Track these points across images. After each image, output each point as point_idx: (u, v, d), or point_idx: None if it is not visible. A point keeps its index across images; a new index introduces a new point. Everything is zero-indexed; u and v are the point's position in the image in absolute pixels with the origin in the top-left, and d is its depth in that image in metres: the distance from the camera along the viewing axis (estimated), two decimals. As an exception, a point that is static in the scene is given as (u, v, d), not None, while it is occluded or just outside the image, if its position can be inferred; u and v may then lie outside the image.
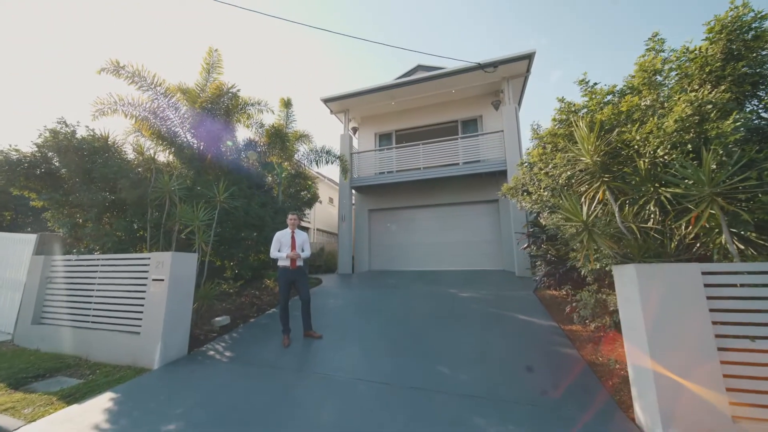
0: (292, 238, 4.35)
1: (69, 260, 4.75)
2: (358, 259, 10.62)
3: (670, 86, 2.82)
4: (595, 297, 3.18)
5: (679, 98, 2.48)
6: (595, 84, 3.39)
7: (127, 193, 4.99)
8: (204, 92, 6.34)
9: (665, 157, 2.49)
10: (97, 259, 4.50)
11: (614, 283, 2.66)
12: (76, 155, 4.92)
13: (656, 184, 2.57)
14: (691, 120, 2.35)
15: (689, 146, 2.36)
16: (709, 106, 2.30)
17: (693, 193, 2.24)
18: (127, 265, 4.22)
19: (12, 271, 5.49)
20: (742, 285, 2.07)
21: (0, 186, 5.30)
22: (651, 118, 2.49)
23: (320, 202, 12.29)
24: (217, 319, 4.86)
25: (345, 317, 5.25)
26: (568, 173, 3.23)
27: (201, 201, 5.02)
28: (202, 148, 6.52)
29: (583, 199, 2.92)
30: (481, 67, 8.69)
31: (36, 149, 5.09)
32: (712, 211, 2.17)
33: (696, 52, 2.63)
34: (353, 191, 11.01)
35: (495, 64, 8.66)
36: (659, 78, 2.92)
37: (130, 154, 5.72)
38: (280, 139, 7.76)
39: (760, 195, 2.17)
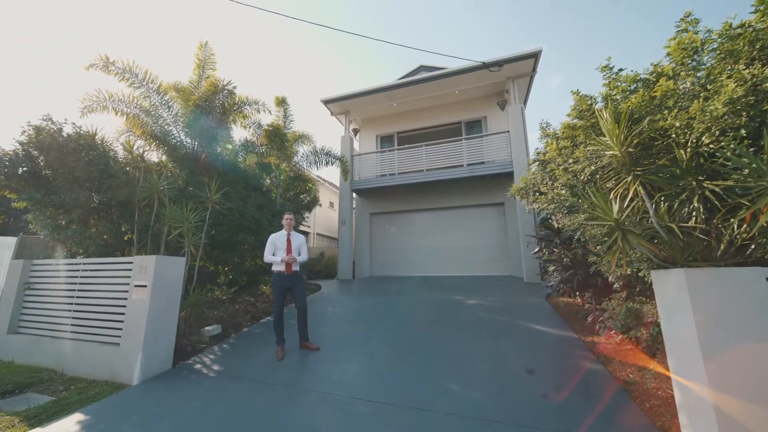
0: (288, 240, 4.02)
1: (49, 265, 4.43)
2: (359, 265, 10.27)
3: (709, 66, 2.51)
4: (626, 306, 2.84)
5: (727, 77, 2.16)
6: (621, 70, 3.08)
7: (113, 193, 4.69)
8: (198, 89, 6.07)
9: (712, 146, 2.17)
10: (78, 264, 4.18)
11: (653, 290, 2.32)
12: (59, 153, 4.63)
13: (700, 177, 2.24)
14: (744, 101, 2.03)
15: (743, 132, 2.03)
16: (767, 84, 1.99)
17: (750, 185, 1.91)
18: (109, 269, 3.90)
19: (-9, 277, 5.17)
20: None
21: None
22: (695, 102, 2.17)
23: (320, 205, 11.98)
24: (207, 328, 4.52)
25: (344, 326, 4.90)
26: (593, 168, 2.91)
27: (192, 202, 4.71)
28: (196, 147, 6.24)
29: (611, 196, 2.60)
30: (486, 66, 8.44)
31: (19, 147, 4.81)
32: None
33: (745, 27, 2.32)
34: (354, 194, 10.71)
35: (500, 63, 8.41)
36: (695, 59, 2.60)
37: (120, 154, 5.44)
38: (278, 138, 7.49)
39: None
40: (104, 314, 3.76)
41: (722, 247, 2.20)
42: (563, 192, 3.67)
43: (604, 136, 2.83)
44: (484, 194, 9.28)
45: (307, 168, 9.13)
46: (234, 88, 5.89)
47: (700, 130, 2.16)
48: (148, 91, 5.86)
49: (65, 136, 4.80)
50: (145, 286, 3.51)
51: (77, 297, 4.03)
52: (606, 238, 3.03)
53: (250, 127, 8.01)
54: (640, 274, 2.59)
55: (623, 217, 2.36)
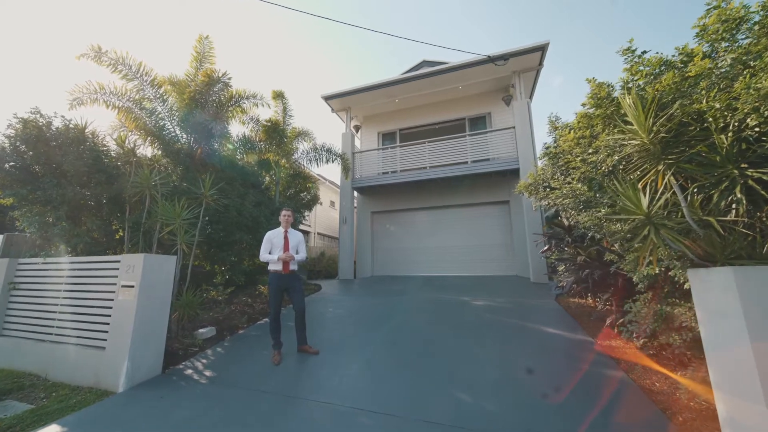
0: (285, 238, 3.79)
1: (35, 264, 4.22)
2: (361, 264, 10.03)
3: (750, 42, 2.26)
4: (652, 308, 2.59)
5: (776, 51, 1.92)
6: (644, 52, 2.84)
7: (103, 189, 4.47)
8: (194, 82, 5.85)
9: (758, 129, 1.93)
10: (65, 263, 3.97)
11: (687, 291, 2.08)
12: (46, 147, 4.42)
13: (743, 165, 2.01)
14: (798, 77, 1.79)
15: (798, 111, 1.79)
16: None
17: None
18: (96, 269, 3.68)
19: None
20: None
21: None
22: (740, 80, 1.93)
23: (320, 203, 11.76)
24: (200, 330, 4.30)
25: (345, 329, 4.67)
26: (615, 158, 2.67)
27: (185, 198, 4.48)
28: (191, 143, 6.02)
29: (639, 187, 2.36)
30: (491, 60, 8.18)
31: (6, 141, 4.60)
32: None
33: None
34: (355, 192, 10.48)
35: (506, 57, 8.15)
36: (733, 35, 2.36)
37: (113, 149, 5.22)
38: (277, 134, 7.27)
39: None
40: (90, 316, 3.54)
41: (769, 243, 1.96)
42: (579, 186, 3.43)
43: (627, 123, 2.60)
44: (489, 192, 9.04)
45: (307, 165, 8.90)
46: (230, 79, 5.67)
47: (745, 111, 1.92)
48: (142, 84, 5.65)
49: (54, 129, 4.59)
50: (133, 286, 3.29)
51: (63, 298, 3.82)
52: (629, 234, 2.80)
53: (248, 123, 7.81)
54: (670, 273, 2.34)
55: (655, 209, 2.12)
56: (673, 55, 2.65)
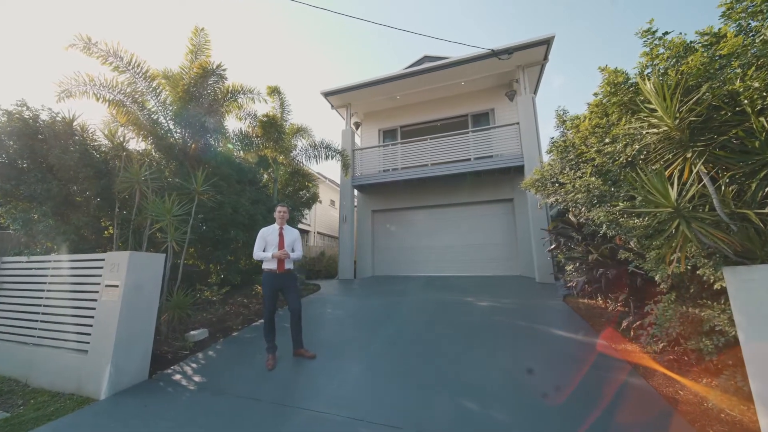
0: (280, 234, 3.59)
1: (19, 263, 4.02)
2: (361, 264, 9.83)
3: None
4: (678, 310, 2.37)
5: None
6: (666, 33, 2.63)
7: (91, 184, 4.28)
8: (188, 75, 5.65)
9: (805, 109, 1.72)
10: (49, 261, 3.77)
11: (716, 290, 1.87)
12: (32, 140, 4.22)
13: (785, 151, 1.80)
14: None
15: None
16: None
17: None
18: (79, 267, 3.48)
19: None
20: None
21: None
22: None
23: (320, 202, 11.55)
24: (192, 333, 4.10)
25: (344, 331, 4.46)
26: (636, 147, 2.46)
27: (176, 193, 4.28)
28: (186, 138, 5.82)
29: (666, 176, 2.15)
30: (495, 54, 7.97)
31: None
32: None
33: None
34: (355, 191, 10.27)
35: (510, 51, 7.95)
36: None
37: (105, 143, 5.02)
38: (274, 130, 7.06)
39: None
40: (73, 317, 3.34)
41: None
42: (593, 179, 3.22)
43: (646, 111, 2.39)
44: (492, 190, 8.83)
45: (306, 162, 8.71)
46: (224, 71, 5.47)
47: (791, 89, 1.71)
48: (134, 77, 5.45)
49: (41, 122, 4.39)
50: (117, 286, 3.09)
51: (46, 298, 3.62)
52: (651, 230, 2.59)
53: (245, 118, 7.61)
54: (699, 272, 2.13)
55: (685, 200, 1.91)
56: (694, 40, 2.45)
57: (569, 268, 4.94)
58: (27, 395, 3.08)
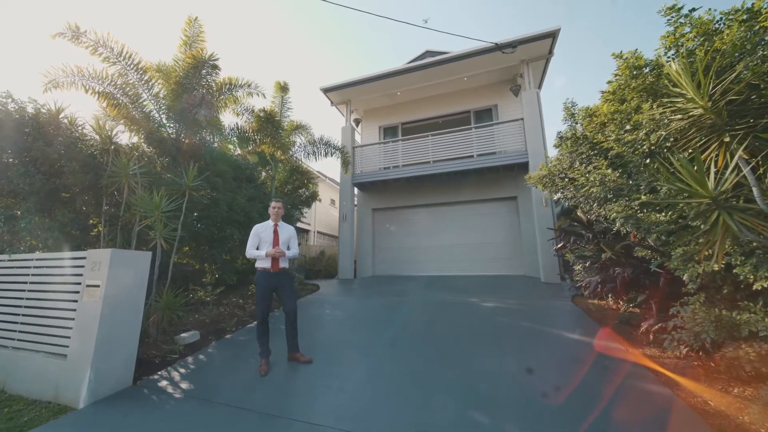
0: (275, 231, 3.38)
1: (1, 261, 3.82)
2: (361, 263, 9.62)
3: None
4: (711, 313, 2.14)
5: None
6: (693, 10, 2.41)
7: (77, 178, 4.07)
8: (180, 66, 5.44)
9: None
10: (31, 260, 3.56)
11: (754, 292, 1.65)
12: (15, 133, 4.02)
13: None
14: None
15: None
16: None
17: None
18: (60, 266, 3.27)
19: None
20: None
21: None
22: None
23: (319, 200, 11.35)
24: (182, 335, 3.89)
25: (342, 334, 4.25)
26: (662, 134, 2.24)
27: (165, 189, 4.08)
28: (179, 132, 5.61)
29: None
30: (499, 47, 7.74)
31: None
32: None
33: None
34: (356, 189, 10.06)
35: (514, 44, 7.71)
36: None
37: (93, 137, 4.82)
38: (271, 125, 6.86)
39: None
40: (53, 320, 3.13)
41: None
42: (608, 172, 3.00)
43: (675, 93, 2.18)
44: (496, 187, 8.61)
45: (305, 159, 8.50)
46: (217, 60, 5.24)
47: None
48: (125, 68, 5.25)
49: (27, 114, 4.19)
50: (98, 286, 2.88)
51: (27, 298, 3.41)
52: (674, 226, 2.37)
53: (243, 113, 7.42)
54: (736, 271, 1.91)
55: (724, 188, 1.70)
56: (736, 11, 2.23)
57: (578, 267, 4.72)
58: (2, 403, 2.87)
